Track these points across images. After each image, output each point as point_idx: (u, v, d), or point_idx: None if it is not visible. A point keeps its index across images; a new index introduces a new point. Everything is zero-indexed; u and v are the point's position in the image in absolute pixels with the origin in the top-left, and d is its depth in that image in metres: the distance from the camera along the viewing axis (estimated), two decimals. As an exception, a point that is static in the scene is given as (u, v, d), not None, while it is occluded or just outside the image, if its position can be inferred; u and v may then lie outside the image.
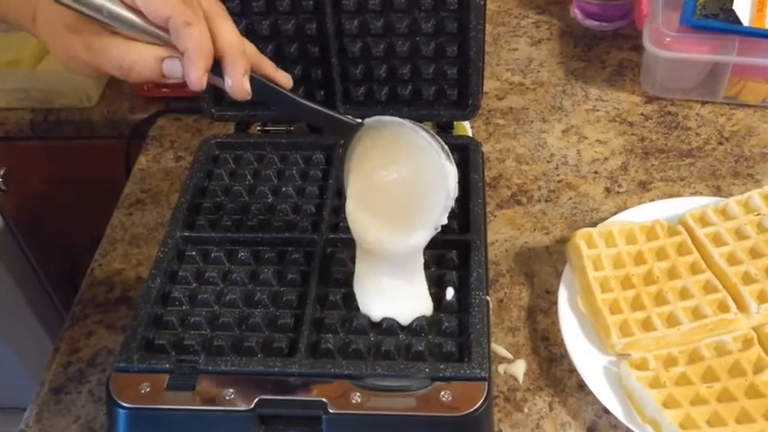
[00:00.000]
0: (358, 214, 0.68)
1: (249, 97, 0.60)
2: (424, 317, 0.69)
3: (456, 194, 0.65)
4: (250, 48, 0.62)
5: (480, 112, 0.89)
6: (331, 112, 0.66)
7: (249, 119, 0.90)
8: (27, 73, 1.15)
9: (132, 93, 1.14)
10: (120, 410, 0.64)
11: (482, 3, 0.79)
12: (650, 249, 0.80)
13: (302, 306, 0.70)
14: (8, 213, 1.32)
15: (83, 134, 1.16)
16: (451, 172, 0.65)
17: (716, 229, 0.81)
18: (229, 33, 0.58)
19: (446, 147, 0.65)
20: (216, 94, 0.88)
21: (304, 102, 0.65)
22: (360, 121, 0.66)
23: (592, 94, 1.08)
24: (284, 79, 0.64)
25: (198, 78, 0.56)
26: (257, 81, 0.61)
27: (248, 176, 0.85)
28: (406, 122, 0.65)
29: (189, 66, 0.56)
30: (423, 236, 0.67)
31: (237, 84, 0.59)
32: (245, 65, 0.59)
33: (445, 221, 0.66)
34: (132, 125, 1.11)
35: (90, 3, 0.54)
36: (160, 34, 0.56)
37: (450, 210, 0.66)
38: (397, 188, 0.67)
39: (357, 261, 0.71)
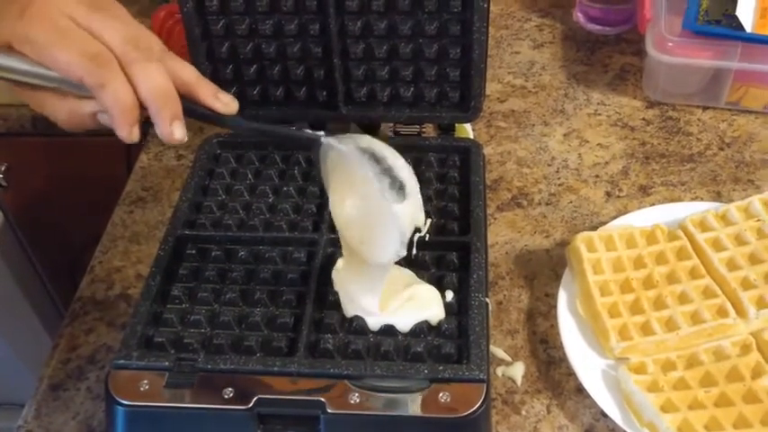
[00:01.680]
0: (338, 220, 0.67)
1: (183, 141, 0.57)
2: (425, 321, 0.69)
3: (419, 226, 0.65)
4: (188, 74, 0.58)
5: (482, 114, 0.89)
6: (287, 131, 0.65)
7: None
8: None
9: (134, 91, 1.14)
10: (119, 408, 0.64)
11: (485, 5, 0.79)
12: (650, 254, 0.80)
13: (302, 306, 0.71)
14: (8, 210, 1.32)
15: (83, 132, 1.16)
16: (406, 210, 0.62)
17: (716, 234, 0.81)
18: (150, 80, 0.55)
19: (405, 177, 0.63)
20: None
21: (256, 125, 0.64)
22: (320, 133, 0.63)
23: (593, 98, 1.09)
24: (224, 107, 0.60)
25: (127, 134, 0.55)
26: (198, 113, 0.59)
27: (249, 176, 0.85)
28: (354, 153, 0.62)
29: (114, 124, 0.55)
30: (386, 258, 0.65)
31: (165, 133, 0.56)
32: (171, 111, 0.56)
33: (404, 253, 0.64)
34: (134, 123, 1.11)
35: (7, 68, 0.54)
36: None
37: (407, 243, 0.64)
38: (355, 216, 0.65)
39: (338, 286, 0.71)
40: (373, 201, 0.62)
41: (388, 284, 0.70)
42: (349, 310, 0.70)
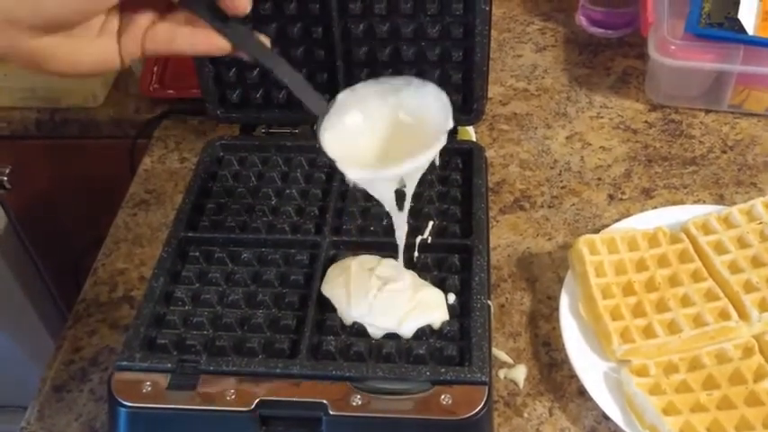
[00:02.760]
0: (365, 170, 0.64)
1: (247, 11, 0.56)
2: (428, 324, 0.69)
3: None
4: None
5: (484, 117, 0.89)
6: (306, 85, 0.62)
7: (254, 121, 0.91)
8: (34, 72, 1.15)
9: (138, 93, 1.15)
10: (122, 409, 0.64)
11: (487, 8, 0.79)
12: (652, 256, 0.80)
13: (304, 308, 0.71)
14: (12, 212, 1.33)
15: (88, 134, 1.17)
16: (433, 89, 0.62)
17: (718, 237, 0.81)
18: None
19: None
20: (221, 96, 0.89)
21: (282, 61, 0.61)
22: (327, 101, 0.62)
23: (596, 101, 1.09)
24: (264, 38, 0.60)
25: None
26: (242, 29, 0.57)
27: (252, 178, 0.85)
28: (379, 82, 0.64)
29: None
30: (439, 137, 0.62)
31: None
32: None
33: (452, 124, 0.62)
34: (138, 126, 1.11)
35: None
36: None
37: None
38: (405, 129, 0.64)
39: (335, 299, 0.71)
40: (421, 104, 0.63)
41: (393, 299, 0.70)
42: (347, 319, 0.70)
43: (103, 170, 1.12)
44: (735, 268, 0.78)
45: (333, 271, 0.73)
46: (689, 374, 0.71)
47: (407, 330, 0.69)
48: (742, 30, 0.97)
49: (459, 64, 0.84)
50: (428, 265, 0.75)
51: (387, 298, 0.69)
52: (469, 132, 0.96)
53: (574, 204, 0.94)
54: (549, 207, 0.94)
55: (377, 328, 0.69)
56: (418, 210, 0.80)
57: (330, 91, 0.87)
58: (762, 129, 1.03)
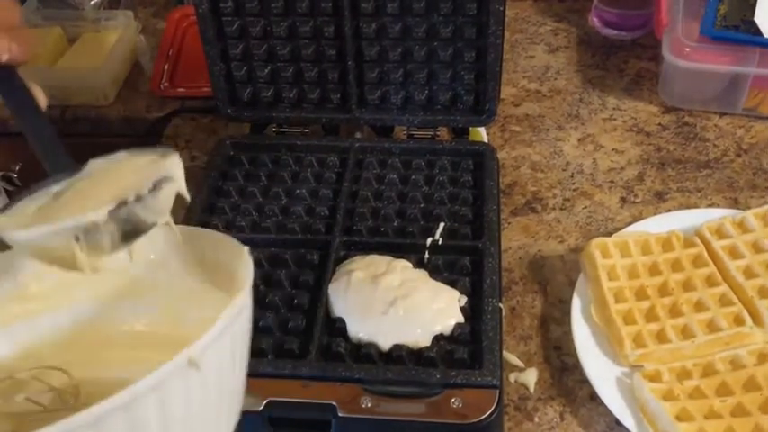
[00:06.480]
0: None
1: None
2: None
3: None
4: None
5: (496, 118, 0.88)
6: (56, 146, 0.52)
7: (265, 120, 0.91)
8: (45, 70, 1.15)
9: (149, 92, 1.15)
10: (130, 408, 0.64)
11: (501, 9, 0.79)
12: (666, 260, 0.80)
13: (314, 309, 0.70)
14: (22, 209, 1.33)
15: (99, 132, 1.17)
16: None
17: (733, 241, 0.80)
18: None
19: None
20: (232, 94, 0.88)
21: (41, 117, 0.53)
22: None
23: (609, 103, 1.08)
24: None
25: None
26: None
27: (263, 178, 0.85)
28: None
29: None
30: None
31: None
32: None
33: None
34: (148, 124, 1.11)
35: None
36: None
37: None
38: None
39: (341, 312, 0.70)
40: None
41: (408, 316, 0.69)
42: (359, 334, 0.69)
43: (114, 168, 1.12)
44: (749, 273, 0.77)
45: (338, 270, 0.73)
46: (702, 380, 0.70)
47: (423, 341, 0.68)
48: (758, 32, 0.96)
49: (472, 64, 0.84)
50: (439, 266, 0.74)
51: (400, 316, 0.68)
52: (481, 133, 0.95)
53: (586, 207, 0.93)
54: (561, 209, 0.93)
55: (386, 345, 0.68)
56: (429, 211, 0.79)
57: (341, 90, 0.88)
58: (777, 132, 1.02)
